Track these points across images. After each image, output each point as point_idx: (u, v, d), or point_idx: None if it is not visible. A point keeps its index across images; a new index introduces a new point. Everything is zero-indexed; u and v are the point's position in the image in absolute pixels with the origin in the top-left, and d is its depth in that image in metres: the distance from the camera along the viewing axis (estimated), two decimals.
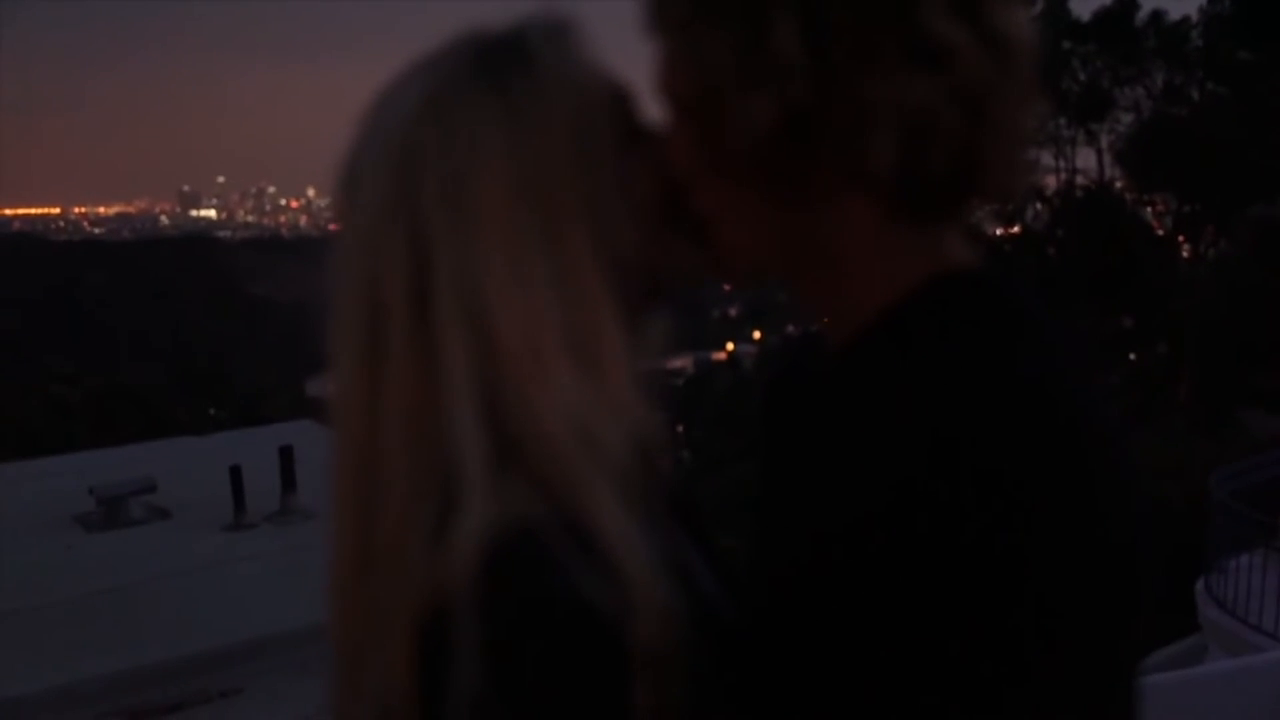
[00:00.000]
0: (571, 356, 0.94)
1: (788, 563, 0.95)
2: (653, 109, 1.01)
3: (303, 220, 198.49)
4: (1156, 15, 25.57)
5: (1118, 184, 24.76)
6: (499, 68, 0.97)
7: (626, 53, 1.07)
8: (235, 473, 4.03)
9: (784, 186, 0.92)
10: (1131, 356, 24.34)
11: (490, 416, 0.93)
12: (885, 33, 0.85)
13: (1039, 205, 22.99)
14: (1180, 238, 24.89)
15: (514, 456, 0.92)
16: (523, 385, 0.93)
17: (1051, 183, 23.06)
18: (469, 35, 1.01)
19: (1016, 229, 23.33)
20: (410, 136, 0.97)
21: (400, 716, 0.90)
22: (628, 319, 0.97)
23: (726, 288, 1.16)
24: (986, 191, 0.91)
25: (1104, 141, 24.57)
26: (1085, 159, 23.11)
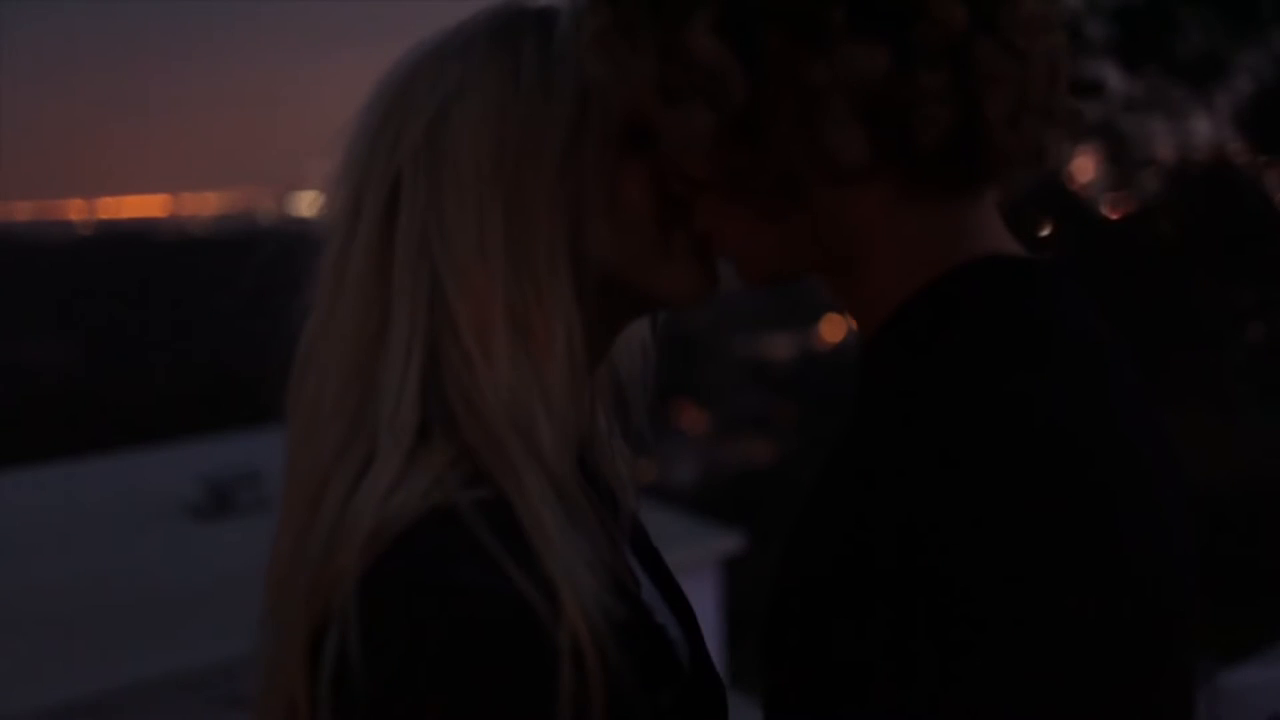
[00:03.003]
0: (516, 340, 0.91)
1: (784, 567, 0.92)
2: None
3: None
4: None
5: (1237, 151, 23.92)
6: (516, 33, 0.96)
7: None
8: None
9: (763, 195, 0.86)
10: (1256, 331, 23.53)
11: (432, 377, 0.90)
12: (824, 3, 0.77)
13: (1152, 176, 22.22)
14: None
15: (449, 426, 0.89)
16: (468, 353, 0.90)
17: (1165, 152, 22.28)
18: (504, 5, 1.00)
19: (1128, 202, 22.62)
20: (411, 77, 0.96)
21: (292, 687, 0.87)
22: (592, 317, 0.95)
23: None
24: (999, 157, 0.83)
25: (1220, 108, 23.71)
26: (1201, 126, 22.29)
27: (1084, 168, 22.30)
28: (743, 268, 0.95)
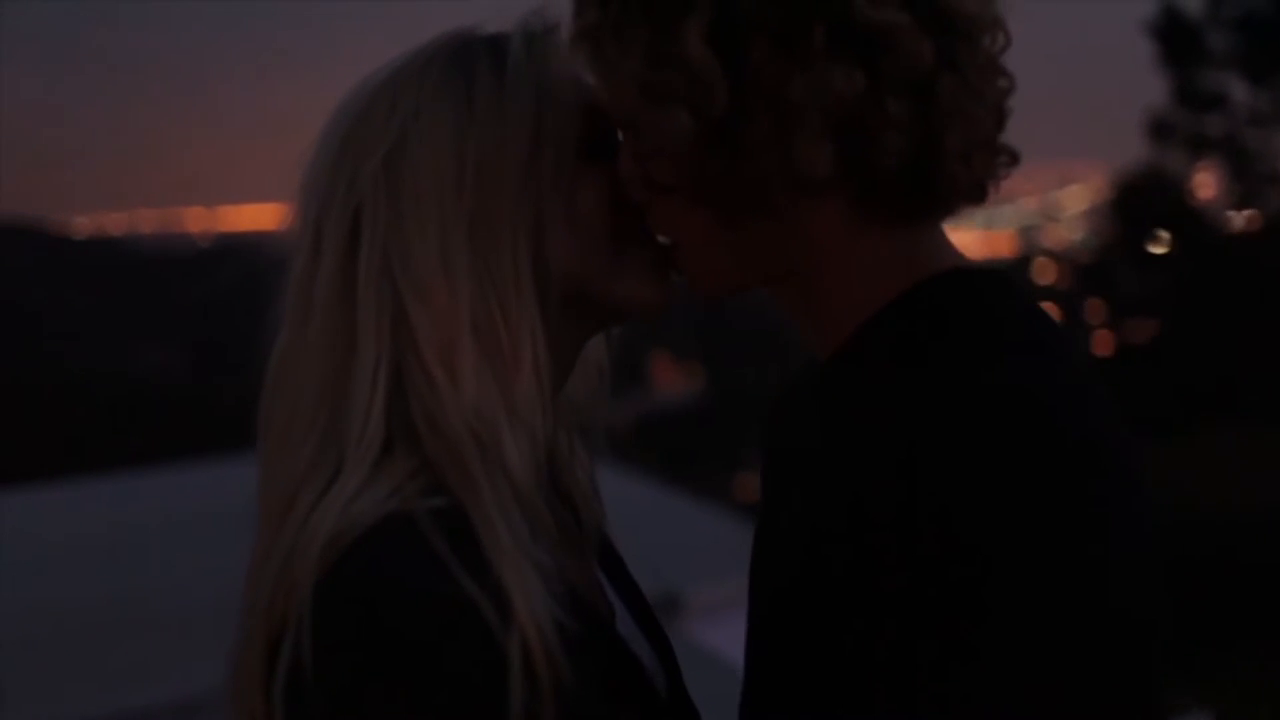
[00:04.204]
0: (482, 357, 0.93)
1: (773, 575, 0.96)
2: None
3: None
4: None
5: None
6: (469, 62, 0.97)
7: None
8: None
9: (729, 201, 0.88)
10: None
11: (397, 396, 0.92)
12: (808, 23, 0.81)
13: (1278, 192, 21.46)
14: None
15: (412, 441, 0.91)
16: (430, 373, 0.92)
17: None
18: (455, 33, 1.01)
19: (1252, 219, 21.89)
20: (368, 106, 0.97)
21: (251, 694, 0.89)
22: (555, 332, 0.96)
23: None
24: (949, 188, 0.87)
25: None
26: None
27: (1206, 184, 21.73)
28: (698, 278, 0.98)
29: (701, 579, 5.90)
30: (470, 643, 0.84)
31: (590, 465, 1.17)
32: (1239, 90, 20.30)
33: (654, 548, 1.29)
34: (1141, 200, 21.29)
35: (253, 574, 0.93)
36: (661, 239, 0.99)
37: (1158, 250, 21.65)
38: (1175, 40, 19.44)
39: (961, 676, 0.74)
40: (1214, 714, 8.52)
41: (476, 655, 0.84)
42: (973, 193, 0.90)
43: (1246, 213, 21.40)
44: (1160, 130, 20.54)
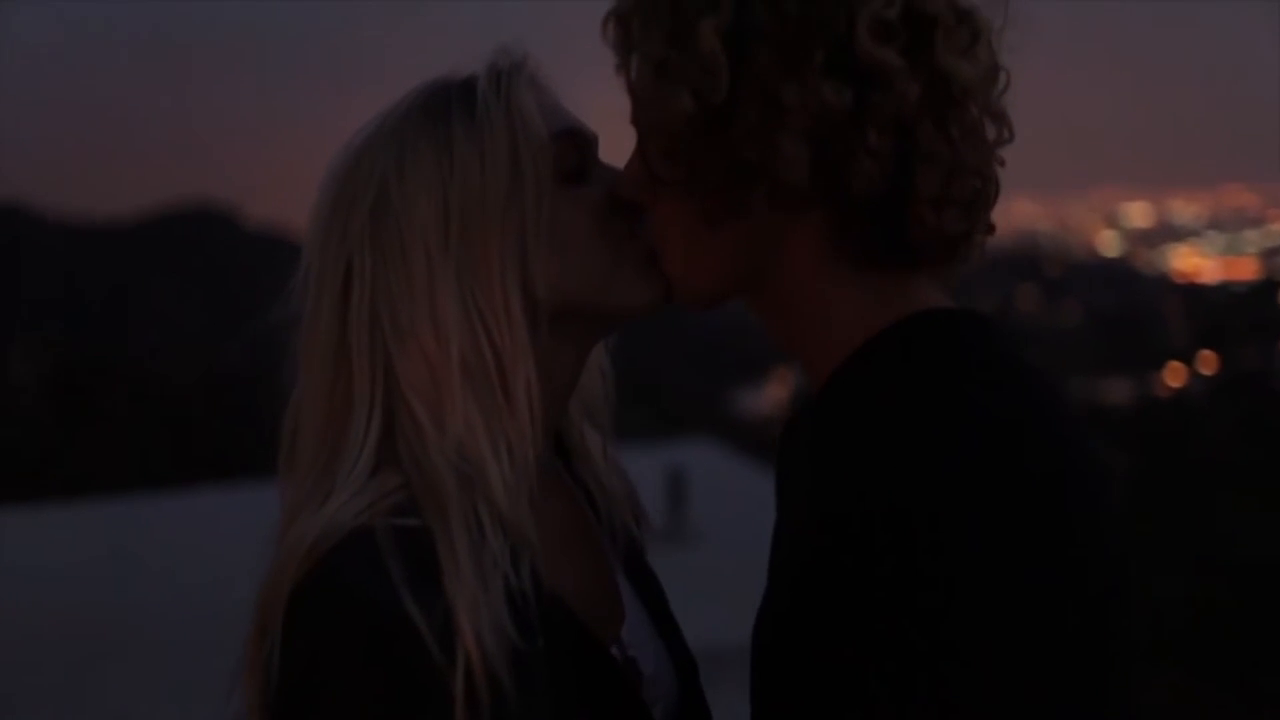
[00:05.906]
0: (471, 395, 0.98)
1: (771, 598, 1.01)
2: (604, 146, 1.09)
3: None
4: None
5: None
6: (442, 109, 1.03)
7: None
8: None
9: (714, 192, 0.94)
10: None
11: (387, 435, 0.99)
12: (810, 45, 0.89)
13: None
14: None
15: (396, 466, 0.98)
16: (417, 419, 0.98)
17: None
18: (430, 82, 1.07)
19: None
20: (354, 163, 1.03)
21: (250, 700, 0.95)
22: (554, 352, 1.02)
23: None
24: (921, 233, 0.92)
25: None
26: None
27: None
28: (681, 282, 1.03)
29: None
30: (405, 661, 0.89)
31: (619, 466, 1.21)
32: None
33: None
34: None
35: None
36: (649, 244, 1.05)
37: None
38: None
39: (943, 684, 0.80)
40: None
41: (411, 673, 0.89)
42: (944, 247, 0.95)
43: None
44: None
